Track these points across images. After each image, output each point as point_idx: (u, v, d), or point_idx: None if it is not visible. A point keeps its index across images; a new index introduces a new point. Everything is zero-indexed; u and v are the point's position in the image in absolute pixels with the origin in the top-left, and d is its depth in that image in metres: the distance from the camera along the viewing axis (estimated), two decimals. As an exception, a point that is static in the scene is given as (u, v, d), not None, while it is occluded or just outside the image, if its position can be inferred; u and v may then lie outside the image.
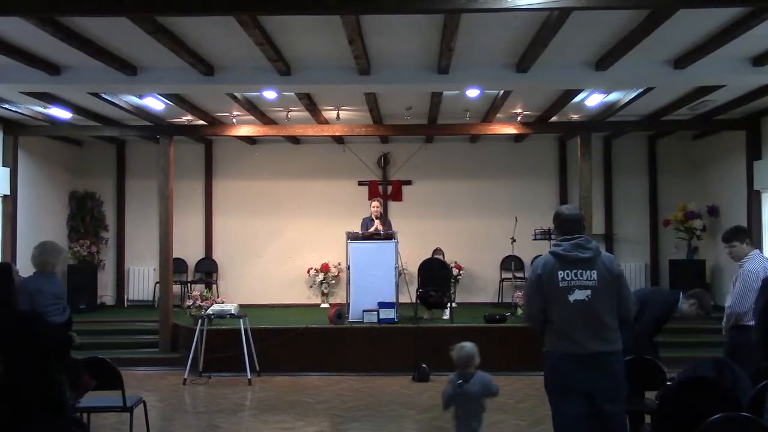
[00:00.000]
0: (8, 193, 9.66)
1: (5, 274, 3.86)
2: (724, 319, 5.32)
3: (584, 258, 3.82)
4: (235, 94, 8.16)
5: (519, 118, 9.83)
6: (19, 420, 3.57)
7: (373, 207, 10.18)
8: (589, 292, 3.78)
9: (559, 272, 3.83)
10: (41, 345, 3.75)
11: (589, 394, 3.79)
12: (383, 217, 10.28)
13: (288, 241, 12.16)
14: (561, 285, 3.81)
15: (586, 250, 3.84)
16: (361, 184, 12.20)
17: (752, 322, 4.66)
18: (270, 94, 8.00)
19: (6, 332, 3.68)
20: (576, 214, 4.02)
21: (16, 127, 9.88)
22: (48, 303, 5.08)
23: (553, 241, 3.97)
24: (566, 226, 3.97)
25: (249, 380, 8.26)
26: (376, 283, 9.35)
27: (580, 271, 3.81)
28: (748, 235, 5.48)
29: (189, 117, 9.66)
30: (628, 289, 3.92)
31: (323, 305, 11.63)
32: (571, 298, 3.79)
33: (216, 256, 12.24)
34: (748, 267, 5.23)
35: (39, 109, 8.98)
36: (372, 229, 9.82)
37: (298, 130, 10.22)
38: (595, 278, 3.79)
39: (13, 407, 3.57)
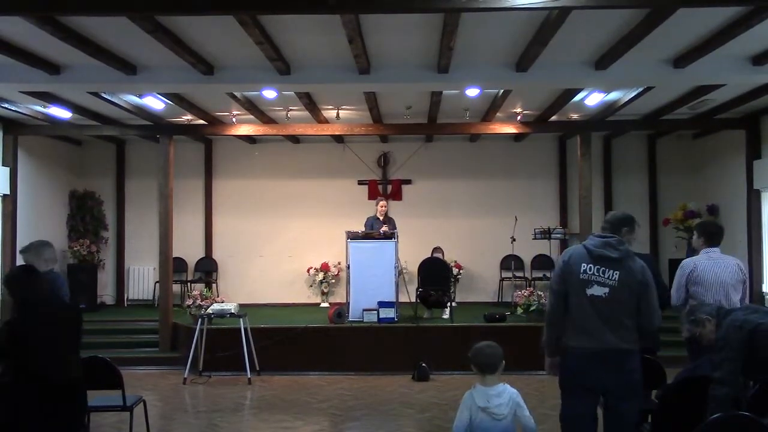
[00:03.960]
0: (8, 192, 9.66)
1: (30, 273, 4.18)
2: None
3: (610, 257, 3.87)
4: (235, 93, 8.16)
5: (519, 118, 9.83)
6: (59, 403, 3.98)
7: (381, 206, 10.15)
8: (607, 290, 3.82)
9: (582, 264, 3.91)
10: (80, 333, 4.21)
11: (603, 392, 3.84)
12: (387, 217, 10.24)
13: (288, 241, 12.16)
14: (581, 277, 3.88)
15: (614, 250, 3.89)
16: (360, 183, 12.21)
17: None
18: (270, 94, 8.00)
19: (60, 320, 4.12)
20: (613, 217, 4.20)
21: (16, 127, 9.88)
22: None
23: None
24: (607, 225, 4.17)
25: (249, 379, 8.27)
26: (375, 282, 9.34)
27: (603, 268, 3.86)
28: (708, 234, 5.41)
29: (189, 116, 9.66)
30: (653, 300, 3.90)
31: (323, 304, 11.64)
32: (589, 292, 3.85)
33: (216, 255, 12.24)
34: (683, 261, 5.42)
35: (39, 108, 8.98)
36: (382, 230, 9.78)
37: (298, 130, 10.22)
38: (616, 279, 3.83)
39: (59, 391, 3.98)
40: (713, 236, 5.38)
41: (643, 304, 3.84)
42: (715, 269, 5.18)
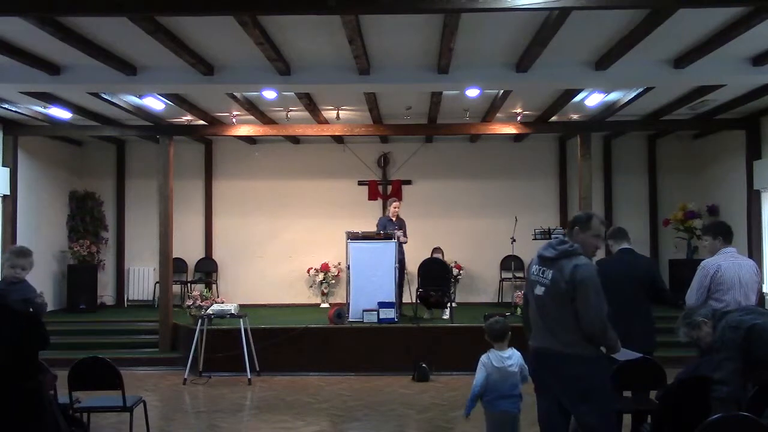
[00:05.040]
0: (8, 193, 9.67)
1: None
2: None
3: (546, 257, 3.89)
4: (235, 93, 8.16)
5: (519, 118, 9.83)
6: (9, 417, 3.58)
7: (394, 207, 10.06)
8: (544, 289, 3.85)
9: (533, 266, 4.01)
10: (35, 342, 3.77)
11: (554, 392, 3.85)
12: (399, 218, 10.19)
13: (288, 241, 12.16)
14: (531, 278, 4.00)
15: (551, 249, 3.89)
16: (361, 183, 12.21)
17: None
18: (270, 94, 8.00)
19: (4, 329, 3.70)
20: (573, 217, 4.11)
21: (16, 127, 9.88)
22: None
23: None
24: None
25: (249, 380, 8.26)
26: (376, 282, 9.34)
27: (543, 268, 3.90)
28: (724, 233, 5.31)
29: (189, 117, 9.66)
30: (587, 300, 3.69)
31: (323, 305, 11.64)
32: (535, 292, 3.92)
33: (216, 256, 12.24)
34: (703, 262, 5.28)
35: (39, 109, 8.98)
36: (400, 239, 9.80)
37: (298, 130, 10.22)
38: (549, 278, 3.83)
39: (7, 404, 3.59)
40: (730, 234, 5.32)
41: (577, 304, 3.70)
42: (738, 270, 5.12)
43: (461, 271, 11.77)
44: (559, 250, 3.84)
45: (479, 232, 11.96)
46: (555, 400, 3.85)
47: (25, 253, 4.97)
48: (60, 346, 8.26)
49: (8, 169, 9.71)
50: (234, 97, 8.30)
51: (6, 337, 3.79)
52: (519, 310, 9.53)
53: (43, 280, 10.18)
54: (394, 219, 10.03)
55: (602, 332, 3.73)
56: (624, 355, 4.10)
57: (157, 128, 10.04)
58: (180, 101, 8.55)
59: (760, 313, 4.04)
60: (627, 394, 5.14)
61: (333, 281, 11.88)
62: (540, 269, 3.90)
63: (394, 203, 10.19)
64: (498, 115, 9.57)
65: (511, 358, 4.74)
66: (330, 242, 11.39)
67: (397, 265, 9.48)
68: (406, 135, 11.16)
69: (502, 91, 8.17)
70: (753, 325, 3.89)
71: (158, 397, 7.66)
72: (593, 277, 3.72)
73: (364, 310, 9.18)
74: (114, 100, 8.28)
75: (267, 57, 6.53)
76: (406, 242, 9.99)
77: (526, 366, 4.54)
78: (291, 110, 9.32)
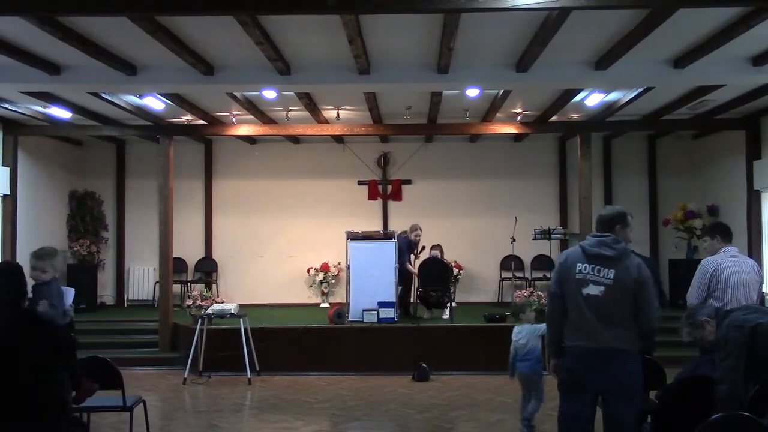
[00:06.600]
0: (8, 192, 9.66)
1: (15, 273, 3.79)
2: None
3: (606, 256, 3.85)
4: (235, 93, 8.16)
5: (519, 118, 9.83)
6: (20, 420, 3.57)
7: (415, 236, 9.98)
8: (603, 288, 3.80)
9: (578, 265, 3.90)
10: (47, 346, 3.72)
11: (598, 392, 3.82)
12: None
13: (288, 241, 12.16)
14: (577, 277, 3.88)
15: (609, 248, 3.87)
16: (360, 183, 12.21)
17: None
18: (270, 94, 8.00)
19: (13, 331, 3.66)
20: (606, 215, 4.09)
21: (16, 127, 9.88)
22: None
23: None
24: (599, 225, 4.10)
25: (249, 380, 8.26)
26: (376, 282, 9.35)
27: (599, 267, 3.85)
28: (722, 231, 5.38)
29: (189, 117, 9.66)
30: (650, 298, 3.84)
31: (323, 305, 11.64)
32: (584, 291, 3.84)
33: (216, 255, 12.24)
34: (703, 261, 5.31)
35: (39, 108, 8.98)
36: (411, 270, 9.88)
37: (298, 130, 10.22)
38: (611, 277, 3.81)
39: (15, 408, 3.57)
40: (727, 232, 5.35)
41: (640, 302, 3.79)
42: (737, 268, 5.15)
43: (461, 271, 11.77)
44: (618, 249, 3.87)
45: (479, 231, 11.96)
46: (585, 403, 3.84)
47: (41, 255, 4.84)
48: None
49: (8, 169, 9.71)
50: (234, 97, 8.31)
51: (16, 347, 3.69)
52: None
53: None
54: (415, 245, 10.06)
55: (656, 329, 3.94)
56: None
57: (157, 128, 10.04)
58: (180, 101, 8.55)
59: (764, 312, 4.04)
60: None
61: (333, 281, 11.88)
62: (595, 268, 3.85)
63: (417, 231, 10.06)
64: (498, 115, 9.57)
65: (521, 333, 5.97)
66: (330, 242, 11.39)
67: (396, 265, 9.48)
68: (406, 135, 11.17)
69: (502, 91, 8.17)
70: (757, 324, 3.89)
71: (158, 397, 7.66)
72: (651, 276, 3.91)
73: (364, 310, 9.19)
74: (114, 100, 8.28)
75: (267, 57, 6.53)
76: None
77: (539, 328, 5.72)
78: (291, 110, 9.32)
